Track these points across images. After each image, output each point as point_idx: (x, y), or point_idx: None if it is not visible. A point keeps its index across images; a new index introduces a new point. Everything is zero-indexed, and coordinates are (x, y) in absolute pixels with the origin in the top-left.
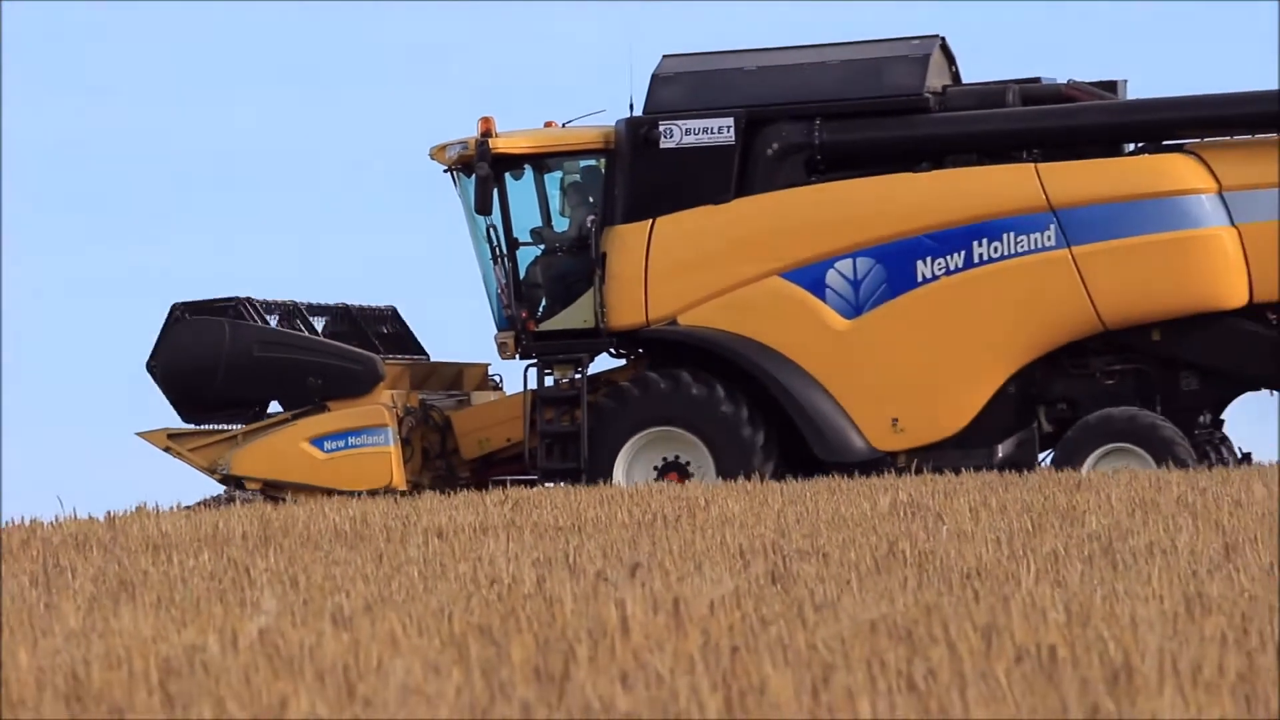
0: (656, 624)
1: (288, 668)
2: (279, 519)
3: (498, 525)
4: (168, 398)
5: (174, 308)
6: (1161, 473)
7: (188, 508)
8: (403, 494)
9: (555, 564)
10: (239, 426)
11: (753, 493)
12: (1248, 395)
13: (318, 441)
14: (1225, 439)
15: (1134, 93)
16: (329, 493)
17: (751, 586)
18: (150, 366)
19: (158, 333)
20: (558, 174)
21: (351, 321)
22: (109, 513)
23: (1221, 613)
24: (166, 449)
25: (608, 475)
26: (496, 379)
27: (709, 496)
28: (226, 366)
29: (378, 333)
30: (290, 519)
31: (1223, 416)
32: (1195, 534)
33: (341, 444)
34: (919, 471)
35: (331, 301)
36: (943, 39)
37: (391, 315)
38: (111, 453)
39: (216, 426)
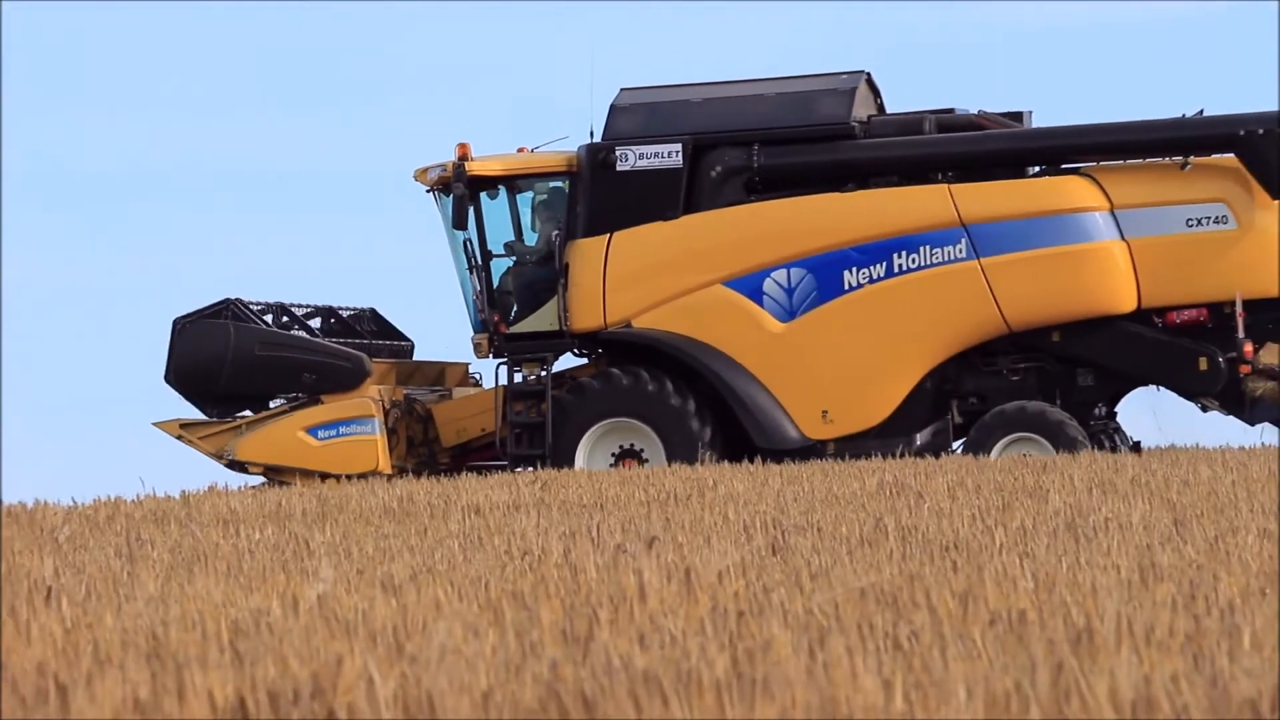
0: (670, 591)
1: (343, 629)
2: (335, 498)
3: (529, 503)
4: (191, 401)
5: (175, 322)
6: (1118, 456)
7: (254, 487)
8: (388, 477)
9: (580, 537)
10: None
11: (754, 474)
12: (1138, 390)
13: (312, 430)
14: (1118, 429)
15: (1037, 121)
16: (323, 476)
17: (754, 558)
18: (167, 379)
19: (167, 348)
20: (528, 194)
21: (343, 323)
22: (184, 491)
23: (1171, 581)
24: (179, 437)
25: (570, 461)
26: (476, 376)
27: (716, 477)
28: (232, 364)
29: (368, 330)
30: (344, 497)
31: (1116, 409)
32: (1148, 510)
33: (333, 433)
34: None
35: (319, 303)
36: (868, 74)
37: (370, 315)
38: (133, 440)
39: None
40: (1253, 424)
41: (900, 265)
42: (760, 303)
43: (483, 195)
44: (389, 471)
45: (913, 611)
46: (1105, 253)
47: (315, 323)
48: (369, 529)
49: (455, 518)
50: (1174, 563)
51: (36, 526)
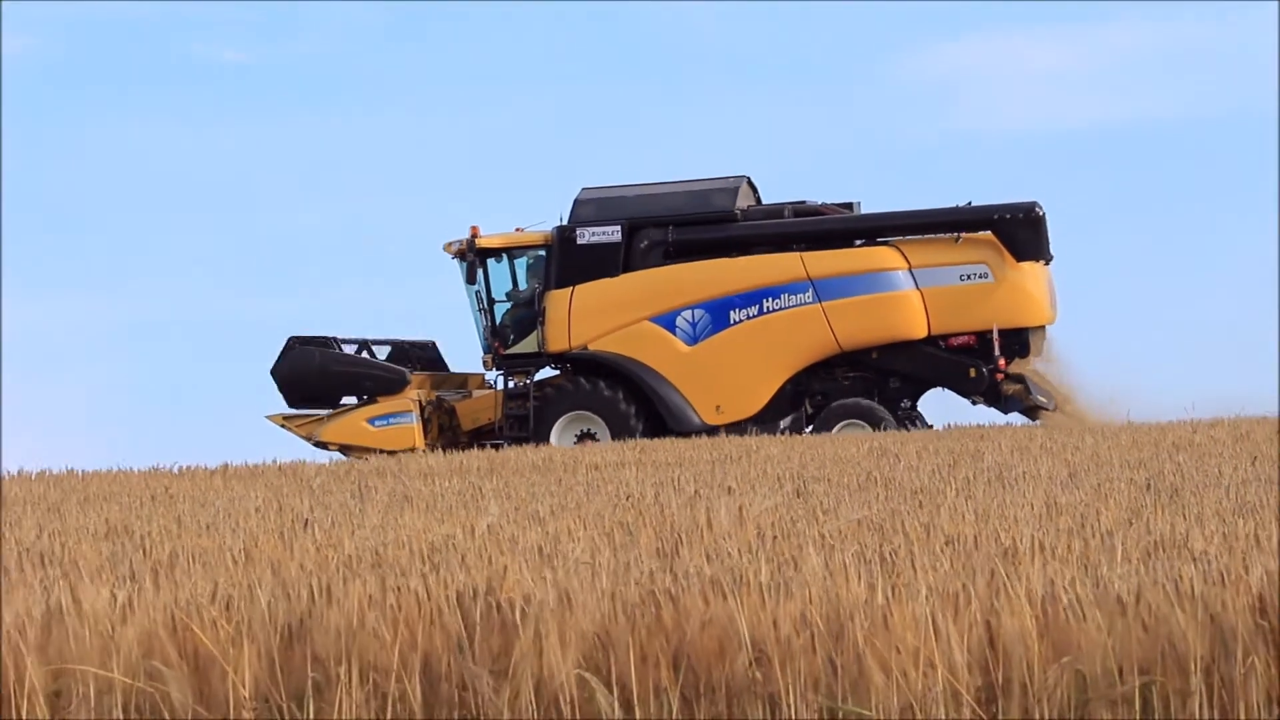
0: (729, 522)
1: (506, 547)
2: (500, 458)
3: (631, 462)
4: (283, 394)
5: (271, 371)
6: (1032, 428)
7: (446, 450)
8: (423, 452)
9: (666, 485)
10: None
11: (785, 443)
12: (931, 390)
13: (371, 420)
14: (919, 416)
15: (864, 209)
16: (378, 451)
17: (785, 500)
18: (289, 403)
19: (277, 387)
20: (520, 259)
21: (401, 351)
22: (395, 453)
23: (1068, 514)
24: (282, 425)
25: (547, 440)
26: (491, 383)
27: (759, 445)
28: (317, 376)
29: (418, 357)
30: (505, 458)
31: (918, 403)
32: (1052, 466)
33: (385, 422)
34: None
35: (368, 336)
36: (748, 177)
37: (409, 343)
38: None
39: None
40: (1005, 413)
41: (768, 307)
42: (674, 332)
43: (489, 260)
44: (423, 448)
45: (892, 536)
46: (906, 298)
47: (382, 351)
48: (522, 479)
49: (581, 472)
50: (1070, 501)
51: (298, 478)
